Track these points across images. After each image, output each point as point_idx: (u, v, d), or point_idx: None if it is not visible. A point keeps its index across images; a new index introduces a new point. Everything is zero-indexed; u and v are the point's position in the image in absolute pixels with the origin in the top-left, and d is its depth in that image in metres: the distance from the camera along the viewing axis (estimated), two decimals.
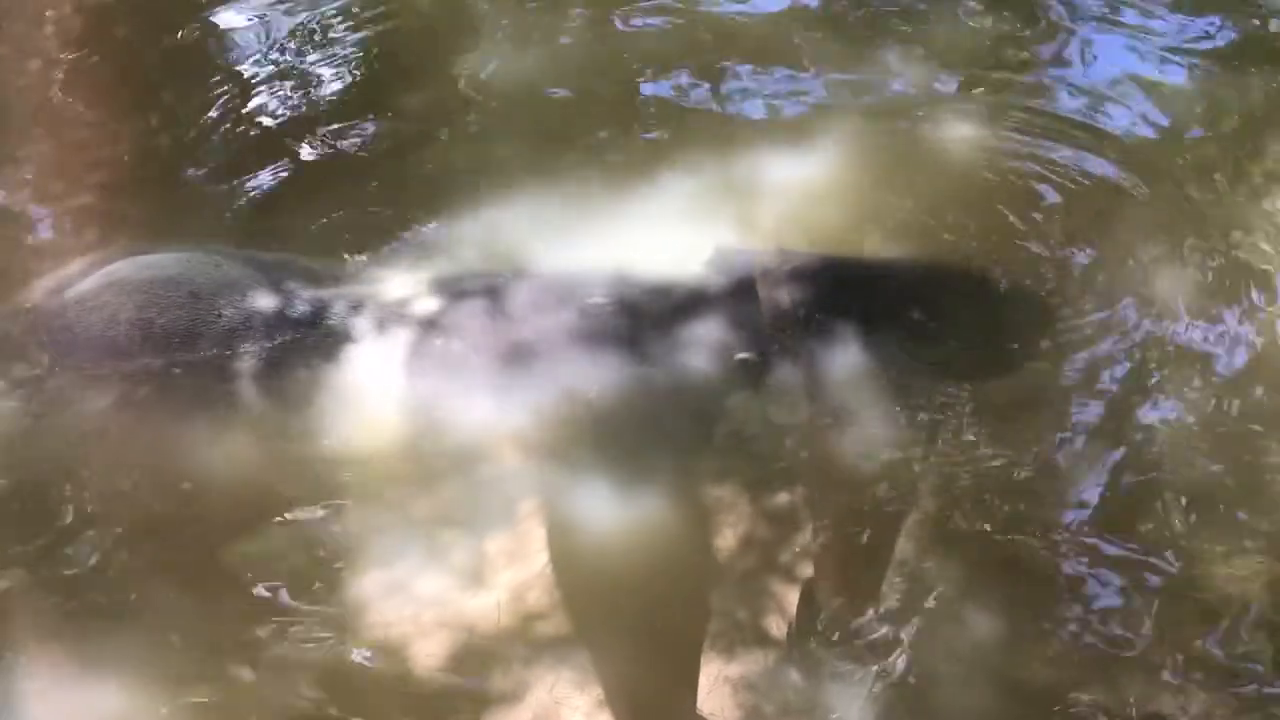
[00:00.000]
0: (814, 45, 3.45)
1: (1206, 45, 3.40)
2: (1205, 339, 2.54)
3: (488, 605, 2.20)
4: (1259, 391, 2.44)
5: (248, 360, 2.49)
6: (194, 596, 2.25)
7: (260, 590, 2.24)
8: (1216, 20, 3.49)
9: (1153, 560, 2.20)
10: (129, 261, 2.67)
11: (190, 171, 3.19)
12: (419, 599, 2.22)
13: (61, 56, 3.57)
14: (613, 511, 2.30)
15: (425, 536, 2.31)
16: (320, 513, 2.35)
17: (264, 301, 2.55)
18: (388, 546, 2.30)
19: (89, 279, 2.63)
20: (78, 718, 2.10)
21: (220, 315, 2.52)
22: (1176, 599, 2.14)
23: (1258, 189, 2.91)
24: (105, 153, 3.25)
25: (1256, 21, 3.47)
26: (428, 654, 2.14)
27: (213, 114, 3.34)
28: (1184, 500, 2.28)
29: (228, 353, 2.49)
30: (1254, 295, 2.62)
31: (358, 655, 2.15)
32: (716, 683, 2.08)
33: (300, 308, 2.54)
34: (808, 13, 3.57)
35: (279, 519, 2.34)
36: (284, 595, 2.23)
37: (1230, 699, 2.02)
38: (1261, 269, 2.68)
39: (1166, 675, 2.05)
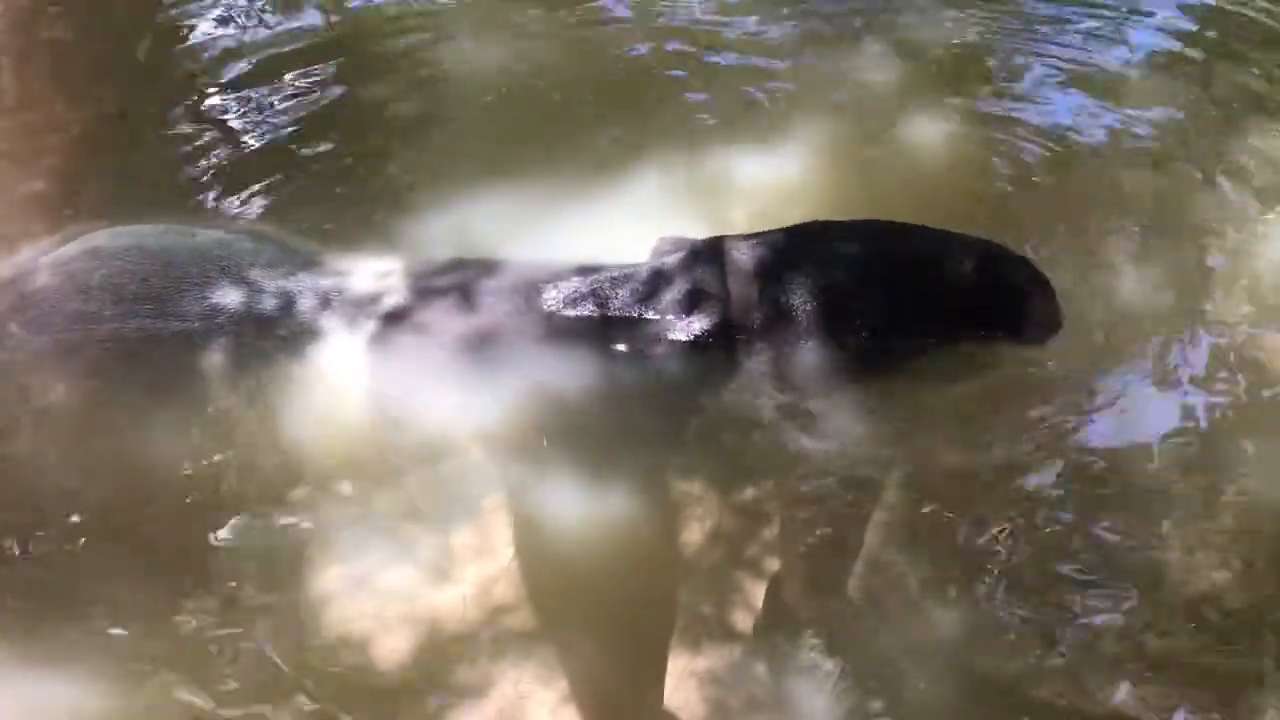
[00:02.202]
0: (785, 43, 3.46)
1: (1178, 45, 3.44)
2: (1171, 339, 2.57)
3: (453, 600, 2.19)
4: (1222, 391, 2.47)
5: (217, 338, 2.46)
6: (153, 589, 2.22)
7: (221, 583, 2.22)
8: (1187, 18, 3.54)
9: (1116, 557, 2.22)
10: (105, 231, 2.65)
11: (149, 157, 3.16)
12: (384, 593, 2.20)
13: (12, 38, 3.53)
14: (579, 506, 2.29)
15: (391, 530, 2.29)
16: (284, 504, 2.32)
17: (237, 282, 2.53)
18: (353, 539, 2.27)
19: (63, 246, 2.61)
20: (32, 713, 2.06)
21: (194, 287, 2.50)
22: (1139, 595, 2.16)
23: (1227, 184, 2.94)
24: (60, 136, 3.21)
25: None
26: (392, 648, 2.12)
27: (173, 100, 3.32)
28: (1148, 497, 2.30)
29: (198, 327, 2.47)
30: (1218, 295, 2.65)
31: (322, 650, 2.12)
32: (683, 677, 2.07)
33: (271, 295, 2.52)
34: (779, 10, 3.59)
35: (242, 510, 2.32)
36: (246, 588, 2.21)
37: (1191, 694, 2.04)
38: (1228, 268, 2.72)
39: (1129, 670, 2.07)
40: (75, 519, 2.33)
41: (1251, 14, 3.53)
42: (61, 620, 2.18)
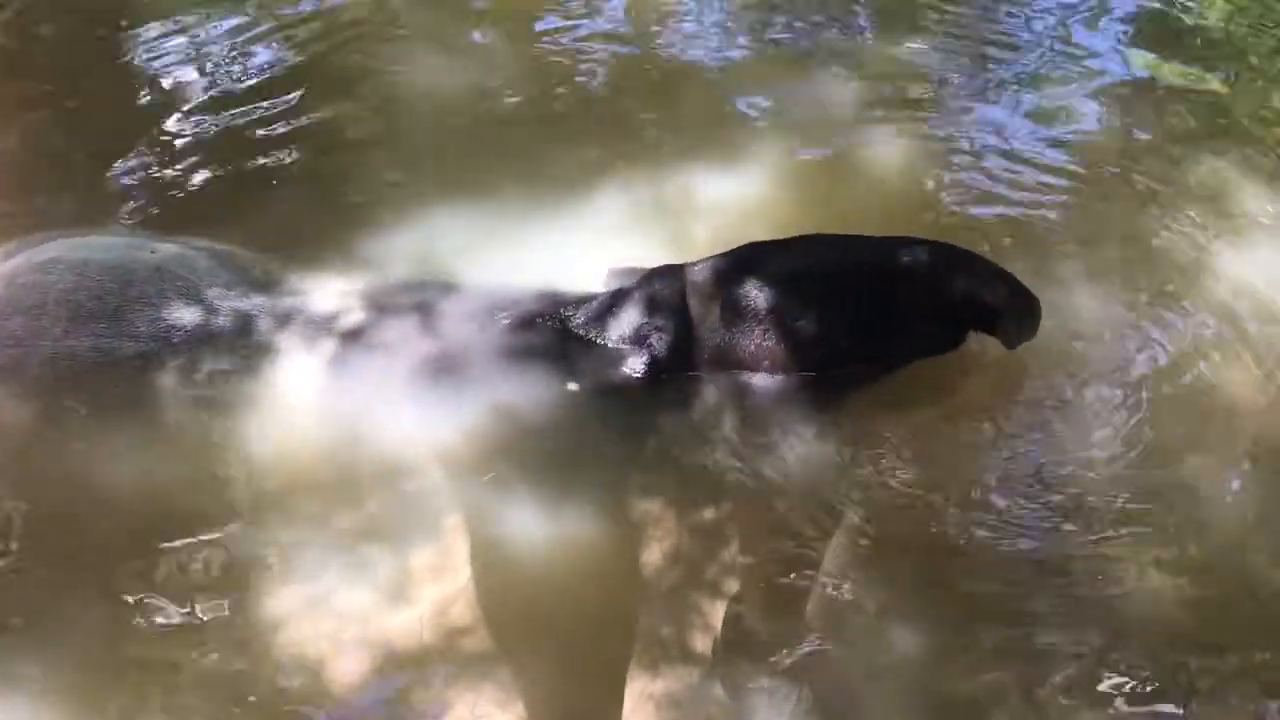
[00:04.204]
0: (747, 64, 3.49)
1: (1127, 71, 3.50)
2: (1126, 358, 2.60)
3: (410, 622, 2.17)
4: (1177, 412, 2.50)
5: (174, 358, 2.42)
6: (105, 609, 2.19)
7: (175, 605, 2.18)
8: (1138, 45, 3.61)
9: (1073, 578, 2.23)
10: (59, 242, 2.58)
11: (105, 168, 3.13)
12: (340, 615, 2.18)
13: None
14: (538, 527, 2.28)
15: (348, 551, 2.27)
16: (240, 524, 2.30)
17: (196, 301, 2.48)
18: (309, 561, 2.25)
19: (16, 256, 2.55)
20: None
21: (152, 306, 2.45)
22: (1096, 616, 2.17)
23: (1180, 206, 2.99)
24: (17, 145, 3.18)
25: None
26: (348, 671, 2.10)
27: (124, 112, 3.30)
28: (1104, 519, 2.32)
29: (155, 347, 2.42)
30: (1174, 317, 2.69)
31: (276, 673, 2.10)
32: (640, 700, 2.06)
33: (230, 315, 2.49)
34: (740, 33, 3.62)
35: (197, 530, 2.28)
36: (200, 611, 2.18)
37: (1147, 714, 2.05)
38: (1178, 288, 2.75)
39: (1087, 691, 2.08)
40: (26, 539, 2.30)
41: (1199, 42, 3.60)
42: (9, 642, 2.14)
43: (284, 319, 2.50)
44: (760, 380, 2.45)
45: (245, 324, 2.48)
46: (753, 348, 2.43)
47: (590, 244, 2.79)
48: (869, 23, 3.68)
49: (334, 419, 2.44)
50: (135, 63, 3.51)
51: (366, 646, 2.13)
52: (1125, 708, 2.05)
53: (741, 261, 2.48)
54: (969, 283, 2.44)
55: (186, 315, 2.46)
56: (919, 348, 2.48)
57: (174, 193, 3.03)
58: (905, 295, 2.43)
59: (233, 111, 3.29)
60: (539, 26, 3.65)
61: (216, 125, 3.25)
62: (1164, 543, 2.27)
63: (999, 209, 2.98)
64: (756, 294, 2.43)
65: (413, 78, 3.42)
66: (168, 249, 2.61)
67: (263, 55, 3.51)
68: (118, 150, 3.17)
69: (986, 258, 2.52)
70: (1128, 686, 2.08)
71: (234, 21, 3.63)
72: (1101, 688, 2.07)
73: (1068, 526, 2.30)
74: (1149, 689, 2.08)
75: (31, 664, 2.11)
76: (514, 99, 3.36)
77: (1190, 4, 3.72)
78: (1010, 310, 2.44)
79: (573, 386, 2.43)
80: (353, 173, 3.11)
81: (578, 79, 3.44)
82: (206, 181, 3.07)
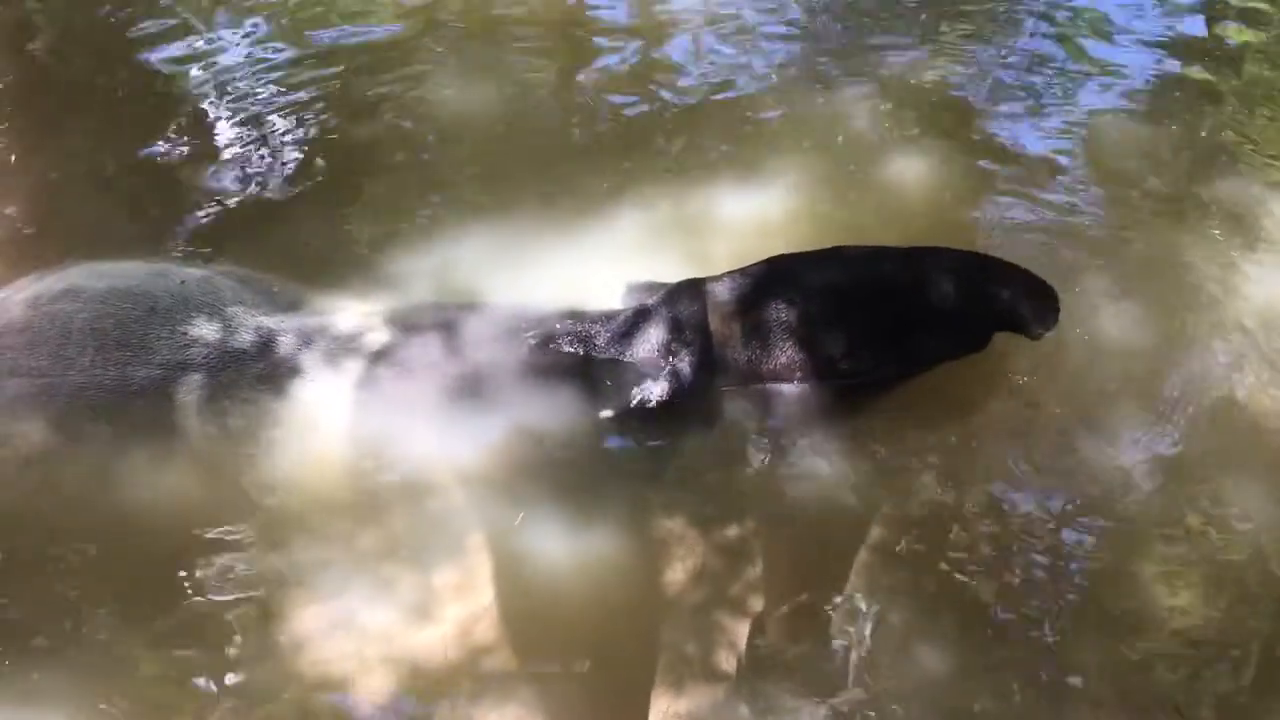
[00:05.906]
0: (766, 84, 3.50)
1: (1153, 88, 3.49)
2: (1150, 373, 2.58)
3: (434, 641, 2.17)
4: (1206, 428, 2.48)
5: (200, 383, 2.43)
6: (131, 630, 2.20)
7: (201, 626, 2.19)
8: (1166, 63, 3.60)
9: (1102, 595, 2.21)
10: (84, 268, 2.60)
11: (128, 193, 3.17)
12: (364, 633, 2.18)
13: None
14: (562, 545, 2.28)
15: (372, 570, 2.28)
16: (265, 544, 2.31)
17: (221, 326, 2.50)
18: (334, 580, 2.26)
19: (43, 283, 2.57)
20: None
21: (178, 334, 2.47)
22: (1126, 633, 2.15)
23: (1207, 222, 2.97)
24: (32, 174, 3.22)
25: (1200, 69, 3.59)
26: (372, 690, 2.10)
27: (150, 138, 3.33)
28: (1130, 534, 2.30)
29: (179, 371, 2.43)
30: (1202, 333, 2.67)
31: (300, 691, 2.10)
32: (666, 718, 2.05)
33: (255, 335, 2.50)
34: (762, 51, 3.63)
35: (222, 551, 2.30)
36: (225, 630, 2.19)
37: None
38: (1210, 308, 2.73)
39: (1112, 708, 2.05)
40: (55, 563, 2.32)
41: (1235, 62, 3.59)
42: (37, 661, 2.16)
43: (308, 340, 2.52)
44: (788, 392, 2.45)
45: (270, 346, 2.50)
46: (784, 359, 2.44)
47: (611, 262, 2.80)
48: (887, 41, 3.68)
49: (358, 439, 2.45)
50: (161, 87, 3.56)
51: (391, 665, 2.13)
52: None
53: (767, 274, 2.49)
54: (991, 285, 2.46)
55: (212, 339, 2.48)
56: (946, 351, 2.49)
57: (197, 215, 3.06)
58: (930, 301, 2.43)
59: (258, 134, 3.32)
60: (559, 48, 3.67)
61: (241, 148, 3.29)
62: (1194, 559, 2.25)
63: (1020, 226, 2.97)
64: (786, 306, 2.44)
65: (435, 101, 3.45)
66: (191, 274, 2.63)
67: (289, 79, 3.55)
68: (141, 173, 3.21)
69: (1000, 258, 2.53)
70: (1159, 704, 2.05)
71: (262, 45, 3.68)
72: (1133, 705, 2.05)
73: (1096, 543, 2.28)
74: (1181, 706, 2.05)
75: (57, 683, 2.12)
76: (535, 121, 3.39)
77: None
78: (1031, 303, 2.46)
79: (605, 411, 2.44)
80: (376, 194, 3.14)
81: (599, 101, 3.46)
82: (230, 203, 3.10)
